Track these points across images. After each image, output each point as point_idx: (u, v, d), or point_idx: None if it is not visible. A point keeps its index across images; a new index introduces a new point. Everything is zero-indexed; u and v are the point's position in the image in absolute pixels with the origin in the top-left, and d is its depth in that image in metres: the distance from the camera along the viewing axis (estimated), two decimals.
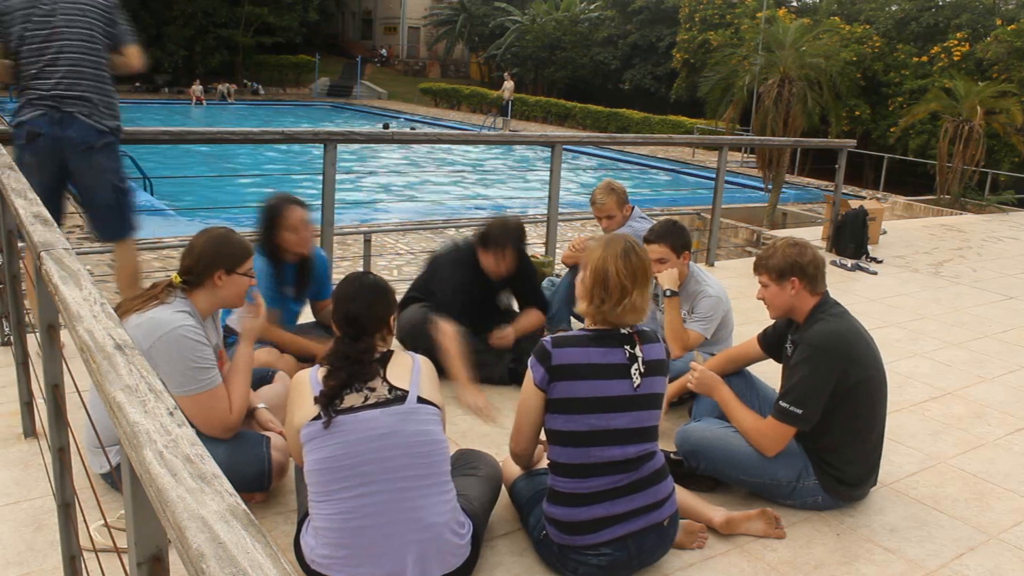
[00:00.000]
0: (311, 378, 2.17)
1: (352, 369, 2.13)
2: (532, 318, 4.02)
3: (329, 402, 2.09)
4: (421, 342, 3.71)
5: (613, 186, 4.38)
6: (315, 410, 2.09)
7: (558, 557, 2.33)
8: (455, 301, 3.73)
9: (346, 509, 2.06)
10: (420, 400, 2.15)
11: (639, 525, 2.29)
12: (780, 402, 2.72)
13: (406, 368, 2.20)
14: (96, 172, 3.64)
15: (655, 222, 3.91)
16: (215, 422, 2.51)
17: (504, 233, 3.74)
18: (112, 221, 3.77)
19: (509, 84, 28.94)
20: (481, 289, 3.88)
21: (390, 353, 2.24)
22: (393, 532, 2.07)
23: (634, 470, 2.29)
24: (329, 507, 2.08)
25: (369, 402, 2.10)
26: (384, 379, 2.15)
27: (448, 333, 3.54)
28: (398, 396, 2.13)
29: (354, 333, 2.20)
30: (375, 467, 2.06)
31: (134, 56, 3.89)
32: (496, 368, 3.79)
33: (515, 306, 4.18)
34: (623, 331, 2.32)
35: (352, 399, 2.10)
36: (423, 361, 2.27)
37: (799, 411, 2.67)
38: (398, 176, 17.50)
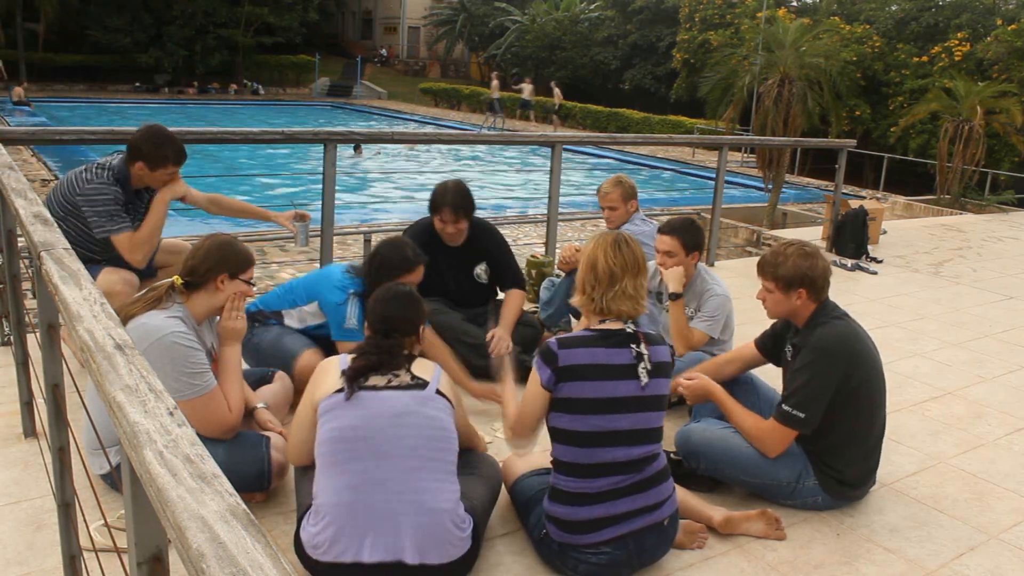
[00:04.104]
0: (340, 361, 2.28)
1: (382, 357, 2.26)
2: (515, 302, 4.06)
3: (355, 377, 2.19)
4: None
5: (622, 179, 4.43)
6: (338, 385, 2.19)
7: (558, 555, 2.33)
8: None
9: (353, 483, 2.10)
10: (438, 392, 2.25)
11: (639, 524, 2.30)
12: (783, 405, 2.71)
13: (429, 367, 2.32)
14: None
15: (656, 224, 3.90)
16: (215, 424, 2.51)
17: (442, 194, 3.88)
18: None
19: (528, 86, 29.02)
20: (448, 258, 3.98)
21: (414, 356, 2.36)
22: (395, 510, 2.10)
23: (638, 471, 2.29)
24: (336, 480, 2.12)
25: (392, 384, 2.21)
26: (408, 370, 2.27)
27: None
28: (419, 384, 2.24)
29: (387, 331, 2.33)
30: (389, 444, 2.13)
31: None
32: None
33: (498, 295, 4.25)
34: (628, 330, 2.33)
35: (376, 380, 2.22)
36: (443, 370, 2.38)
37: (802, 415, 2.67)
38: (398, 176, 17.50)
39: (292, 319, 3.49)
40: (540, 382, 2.30)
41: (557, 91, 29.29)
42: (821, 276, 2.78)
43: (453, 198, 3.87)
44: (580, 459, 2.28)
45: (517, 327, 4.02)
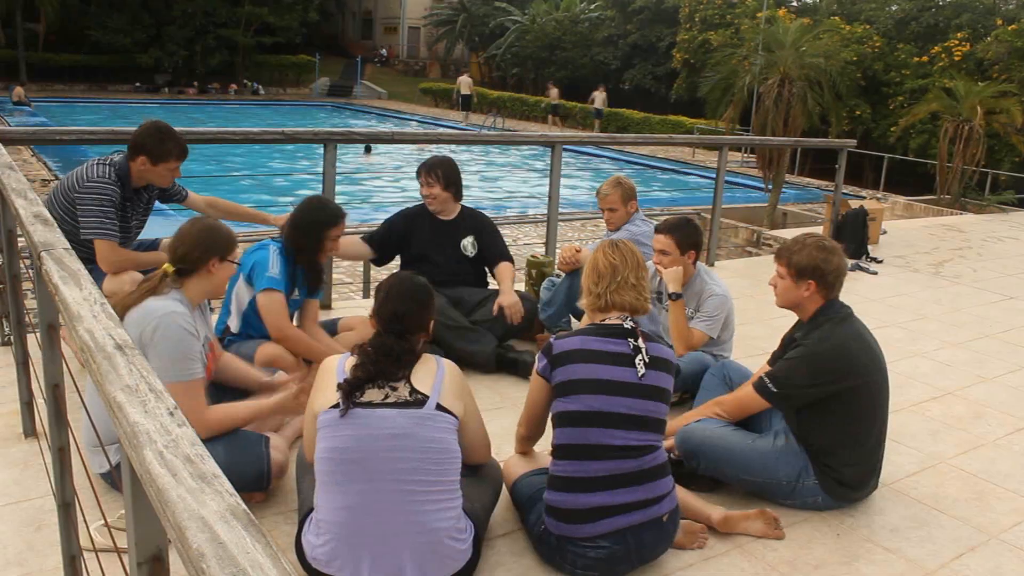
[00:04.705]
0: (339, 366, 2.19)
1: (382, 365, 2.14)
2: (508, 272, 4.28)
3: (351, 391, 2.11)
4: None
5: (621, 180, 4.46)
6: (335, 398, 2.11)
7: (556, 550, 2.34)
8: (382, 230, 4.28)
9: (350, 504, 2.08)
10: (439, 408, 2.15)
11: (638, 519, 2.30)
12: (763, 376, 2.81)
13: (430, 373, 2.20)
14: None
15: (655, 223, 3.90)
16: (187, 414, 2.49)
17: (425, 162, 4.19)
18: None
19: (601, 95, 28.54)
20: (436, 231, 4.19)
21: (417, 357, 2.24)
22: (394, 533, 2.07)
23: (635, 458, 2.30)
24: (333, 499, 2.09)
25: (388, 400, 2.12)
26: (408, 381, 2.16)
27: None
28: (418, 400, 2.13)
29: (399, 330, 2.20)
30: (384, 466, 2.07)
31: None
32: (483, 351, 3.87)
33: (490, 281, 4.36)
34: (625, 325, 2.37)
35: (372, 394, 2.12)
36: (448, 367, 2.26)
37: (775, 389, 2.75)
38: (398, 176, 17.49)
39: (233, 318, 3.45)
40: (537, 370, 2.41)
41: (554, 90, 29.56)
42: (833, 272, 2.78)
43: (431, 159, 4.16)
44: (576, 439, 2.31)
45: (514, 328, 4.06)
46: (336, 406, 2.10)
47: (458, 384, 2.25)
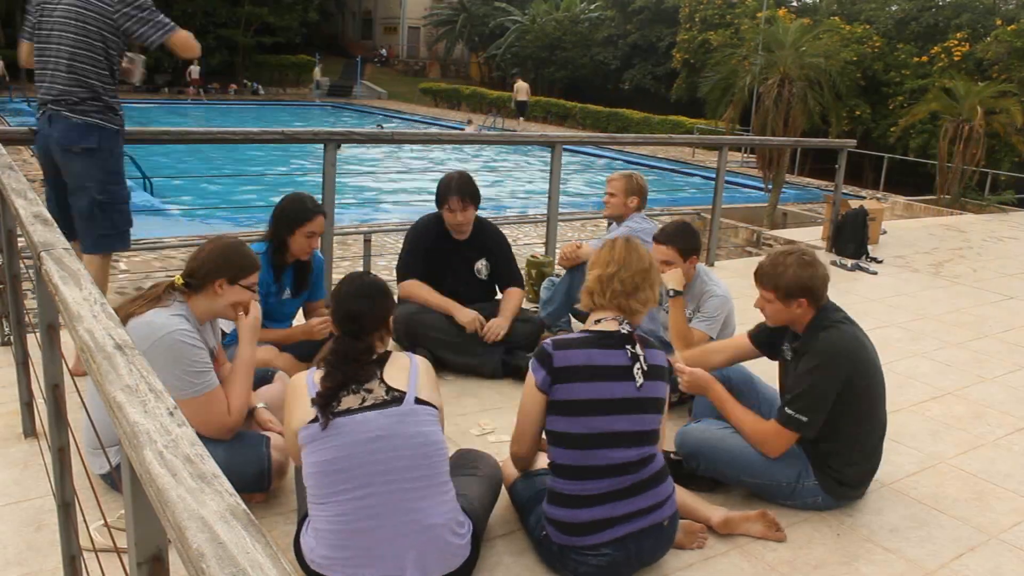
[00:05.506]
0: (308, 380, 2.16)
1: (349, 370, 2.12)
2: (515, 298, 4.11)
3: (326, 403, 2.08)
4: (416, 336, 3.78)
5: (632, 175, 4.49)
6: (312, 412, 2.08)
7: (558, 557, 2.33)
8: (417, 260, 4.01)
9: (345, 512, 2.06)
10: (418, 401, 2.14)
11: (639, 526, 2.29)
12: (786, 408, 2.71)
13: (404, 369, 2.19)
14: (75, 176, 3.49)
15: (657, 224, 3.91)
16: (213, 425, 2.50)
17: (447, 183, 3.96)
18: (85, 231, 3.54)
19: (523, 85, 28.87)
20: (452, 252, 4.05)
21: (388, 354, 2.23)
22: (393, 534, 2.07)
23: (635, 472, 2.29)
24: (328, 509, 2.07)
25: (366, 404, 2.09)
26: (381, 380, 2.14)
27: (411, 286, 3.92)
28: (395, 397, 2.12)
29: (354, 331, 2.19)
30: (373, 469, 2.05)
31: (180, 47, 3.93)
32: (488, 362, 3.84)
33: (498, 292, 4.25)
34: (623, 331, 2.33)
35: (349, 401, 2.09)
36: (421, 361, 2.26)
37: (805, 419, 2.67)
38: (399, 176, 17.49)
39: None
40: (535, 384, 2.29)
41: (522, 84, 29.50)
42: (821, 285, 2.77)
43: (459, 185, 3.94)
44: (578, 461, 2.27)
45: (516, 323, 4.04)
46: (315, 420, 2.07)
47: (432, 376, 2.26)
